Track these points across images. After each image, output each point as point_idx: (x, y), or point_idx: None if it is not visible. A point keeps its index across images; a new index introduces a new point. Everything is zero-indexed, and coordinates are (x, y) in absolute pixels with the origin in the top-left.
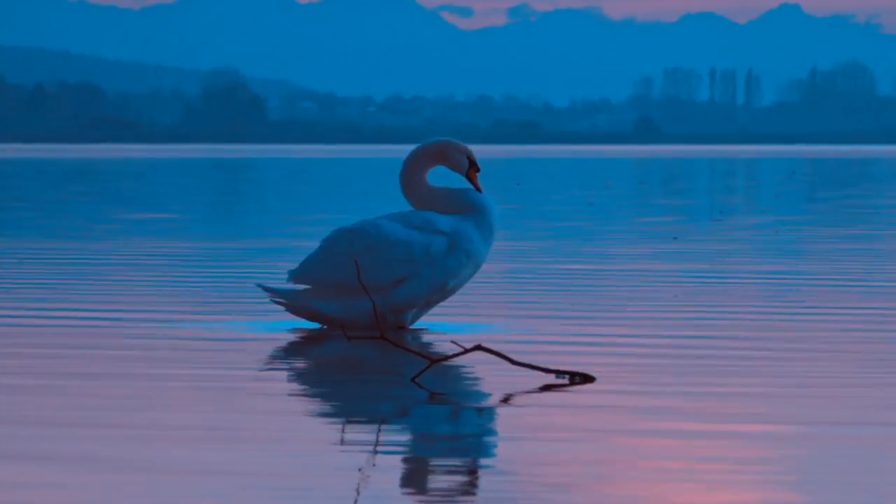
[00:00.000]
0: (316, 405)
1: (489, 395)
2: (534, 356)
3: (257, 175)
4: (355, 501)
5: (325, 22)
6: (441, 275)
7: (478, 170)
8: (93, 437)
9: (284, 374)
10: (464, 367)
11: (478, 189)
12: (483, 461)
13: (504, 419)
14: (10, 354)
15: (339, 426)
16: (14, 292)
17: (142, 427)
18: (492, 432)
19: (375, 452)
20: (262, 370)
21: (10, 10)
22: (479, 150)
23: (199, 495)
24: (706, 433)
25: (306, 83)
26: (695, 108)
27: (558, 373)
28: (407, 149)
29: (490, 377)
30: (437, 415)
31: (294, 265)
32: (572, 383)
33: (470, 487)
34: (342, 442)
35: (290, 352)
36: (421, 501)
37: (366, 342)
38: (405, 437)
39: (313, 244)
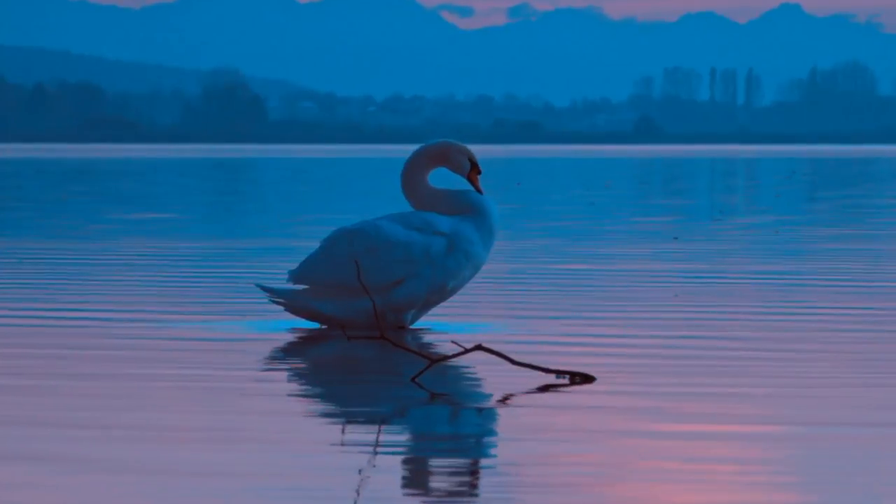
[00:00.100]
0: (316, 405)
1: (489, 395)
2: (534, 356)
3: (257, 175)
4: (355, 502)
5: (325, 22)
6: (440, 276)
7: (479, 172)
8: (93, 438)
9: (284, 374)
10: (464, 367)
11: (479, 191)
12: (483, 461)
13: (504, 419)
14: (9, 355)
15: (339, 427)
16: (14, 292)
17: (142, 427)
18: (492, 432)
19: (375, 453)
20: (261, 370)
21: (10, 10)
22: (479, 150)
23: (199, 496)
24: (706, 433)
25: (306, 83)
26: (695, 107)
27: (558, 373)
28: (407, 149)
29: (490, 377)
30: (437, 415)
31: (294, 265)
32: (572, 383)
33: (470, 488)
34: (342, 442)
35: (289, 352)
36: (421, 502)
37: (365, 342)
38: (405, 438)
39: (313, 244)
